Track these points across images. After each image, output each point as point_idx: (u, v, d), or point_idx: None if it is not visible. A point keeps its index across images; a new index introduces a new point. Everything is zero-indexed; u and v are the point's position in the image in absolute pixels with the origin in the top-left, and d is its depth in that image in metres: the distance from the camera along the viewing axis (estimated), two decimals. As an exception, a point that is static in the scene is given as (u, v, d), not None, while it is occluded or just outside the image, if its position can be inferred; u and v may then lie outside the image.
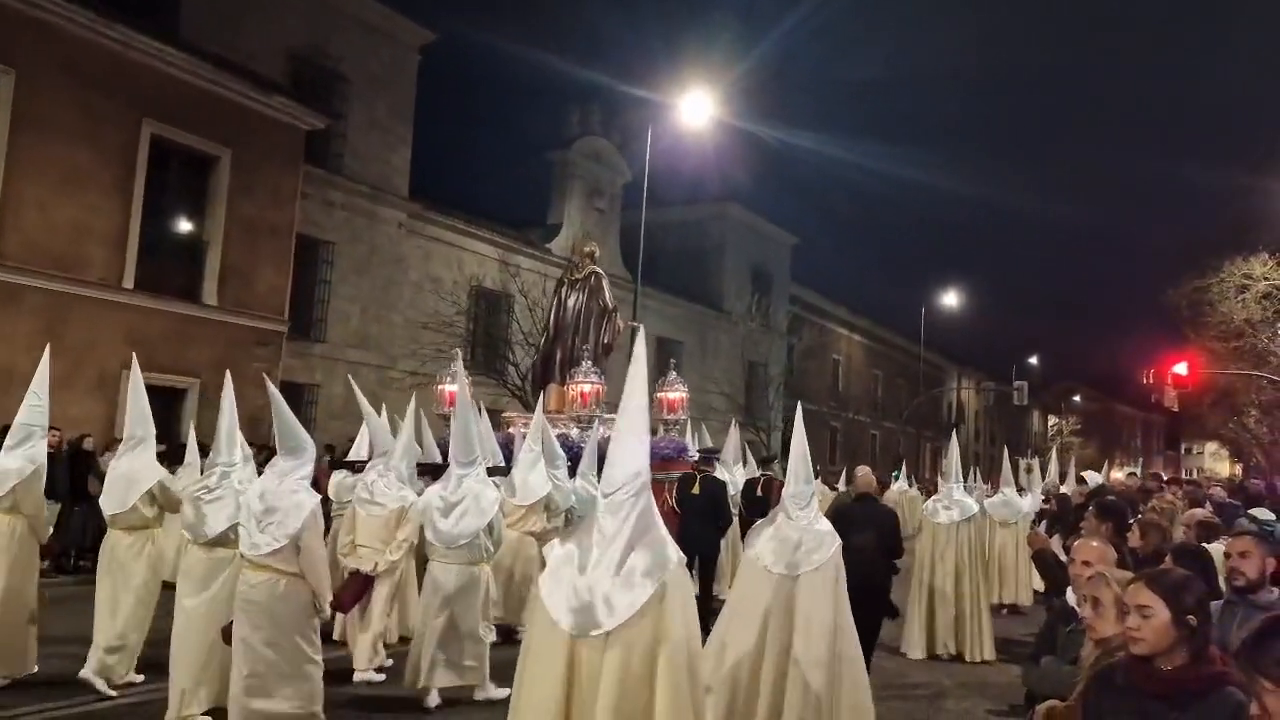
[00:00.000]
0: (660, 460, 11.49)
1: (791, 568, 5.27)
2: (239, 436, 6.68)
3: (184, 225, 17.24)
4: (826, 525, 5.58)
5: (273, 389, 5.98)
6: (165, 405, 16.41)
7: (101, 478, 12.79)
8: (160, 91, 16.13)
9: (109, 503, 7.03)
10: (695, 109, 22.52)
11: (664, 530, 3.57)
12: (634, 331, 4.50)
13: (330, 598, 5.93)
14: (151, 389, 15.99)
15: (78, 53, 14.98)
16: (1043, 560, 5.39)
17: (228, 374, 6.87)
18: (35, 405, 7.27)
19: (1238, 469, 46.94)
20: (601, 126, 30.22)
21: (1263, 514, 7.68)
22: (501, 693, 6.70)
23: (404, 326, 22.98)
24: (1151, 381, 33.76)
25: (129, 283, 15.77)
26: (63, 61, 14.78)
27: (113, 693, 6.71)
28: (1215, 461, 66.08)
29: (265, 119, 17.99)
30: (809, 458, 5.68)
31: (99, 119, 15.31)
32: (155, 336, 16.02)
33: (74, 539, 12.61)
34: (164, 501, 7.08)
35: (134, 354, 7.88)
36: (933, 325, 45.65)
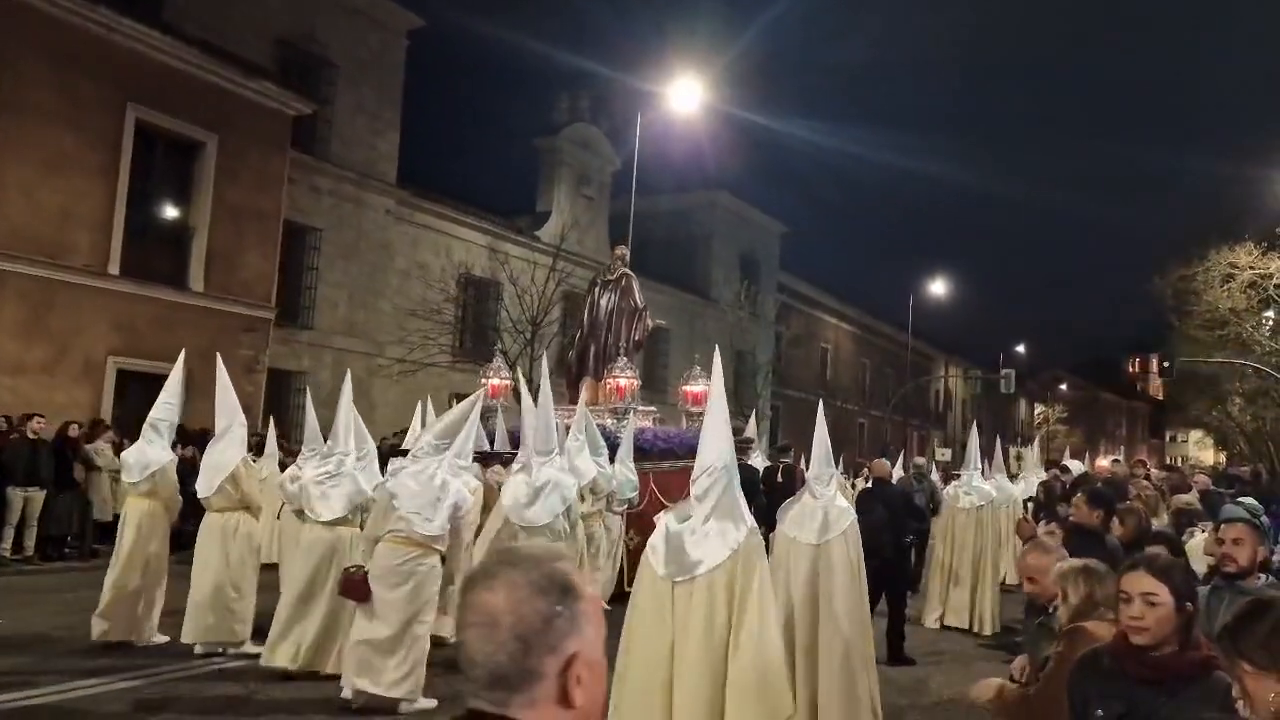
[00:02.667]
0: (687, 448, 12.44)
1: (816, 537, 6.04)
2: (356, 427, 7.56)
3: (170, 211, 17.12)
4: (844, 501, 6.40)
5: (428, 406, 7.16)
6: (151, 392, 16.32)
7: (86, 464, 12.81)
8: (145, 76, 15.99)
9: (200, 487, 7.83)
10: (684, 96, 22.46)
11: (743, 503, 4.55)
12: (713, 353, 5.55)
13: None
14: (136, 375, 16.07)
15: (61, 36, 14.82)
16: None
17: (348, 374, 8.04)
18: (168, 403, 8.24)
19: (1221, 457, 47.25)
20: (590, 114, 30.09)
21: (1247, 503, 7.67)
22: None
23: (392, 314, 22.90)
24: (1136, 370, 33.97)
25: (114, 269, 15.66)
26: (46, 45, 14.63)
27: (252, 646, 7.47)
28: (1199, 449, 66.44)
29: (251, 104, 17.86)
30: (830, 445, 6.49)
31: (83, 104, 15.17)
32: (141, 323, 15.94)
33: (60, 527, 12.52)
34: (239, 492, 7.76)
35: (218, 354, 8.79)
36: (920, 313, 45.73)
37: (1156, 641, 2.70)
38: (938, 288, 46.44)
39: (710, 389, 4.85)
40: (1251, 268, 29.67)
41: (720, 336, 34.95)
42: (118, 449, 13.35)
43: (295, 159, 19.50)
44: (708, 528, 4.35)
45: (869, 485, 10.24)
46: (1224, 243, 30.11)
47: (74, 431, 12.97)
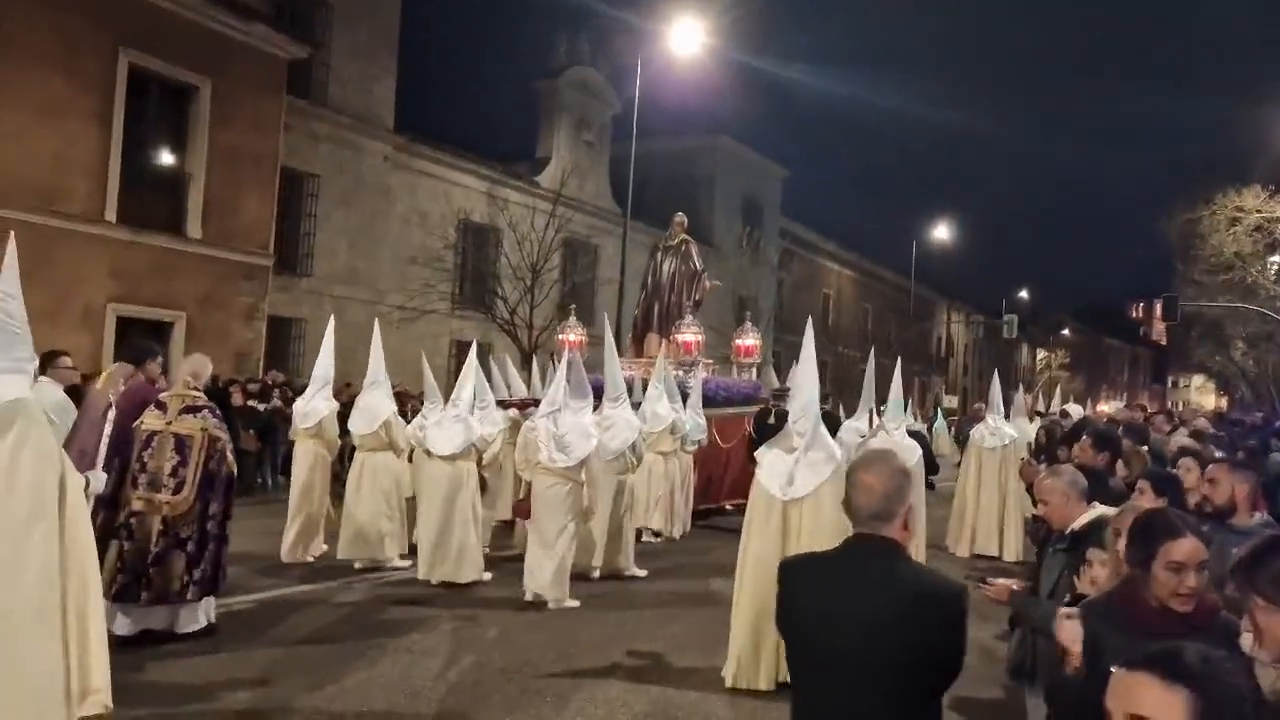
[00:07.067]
0: (742, 396, 14.83)
1: None
2: (473, 380, 9.01)
3: (165, 157, 16.94)
4: (910, 439, 8.10)
5: (573, 357, 8.60)
6: (152, 338, 16.31)
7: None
8: (137, 19, 15.72)
9: (357, 425, 9.22)
10: (685, 38, 22.14)
11: (829, 437, 5.79)
12: (807, 323, 6.30)
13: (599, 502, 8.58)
14: (136, 322, 16.01)
15: (50, -22, 14.55)
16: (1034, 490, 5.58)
17: (474, 343, 9.56)
18: (326, 361, 9.57)
19: (1223, 402, 47.34)
20: (590, 56, 29.65)
21: None
22: (641, 572, 9.22)
23: (391, 261, 22.80)
24: (1140, 315, 33.84)
25: (111, 215, 15.54)
26: (35, -13, 14.36)
27: (402, 563, 8.99)
28: (1201, 395, 66.60)
29: (246, 48, 17.59)
30: (901, 394, 8.56)
31: (75, 47, 14.93)
32: (139, 270, 15.87)
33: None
34: (389, 436, 9.12)
35: (375, 319, 10.36)
36: (923, 258, 45.51)
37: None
38: (940, 232, 46.20)
39: (803, 349, 5.98)
40: (1258, 211, 29.47)
41: (722, 282, 34.88)
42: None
43: (291, 104, 19.26)
44: (810, 457, 5.51)
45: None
46: (1231, 186, 29.87)
47: (77, 379, 12.95)
